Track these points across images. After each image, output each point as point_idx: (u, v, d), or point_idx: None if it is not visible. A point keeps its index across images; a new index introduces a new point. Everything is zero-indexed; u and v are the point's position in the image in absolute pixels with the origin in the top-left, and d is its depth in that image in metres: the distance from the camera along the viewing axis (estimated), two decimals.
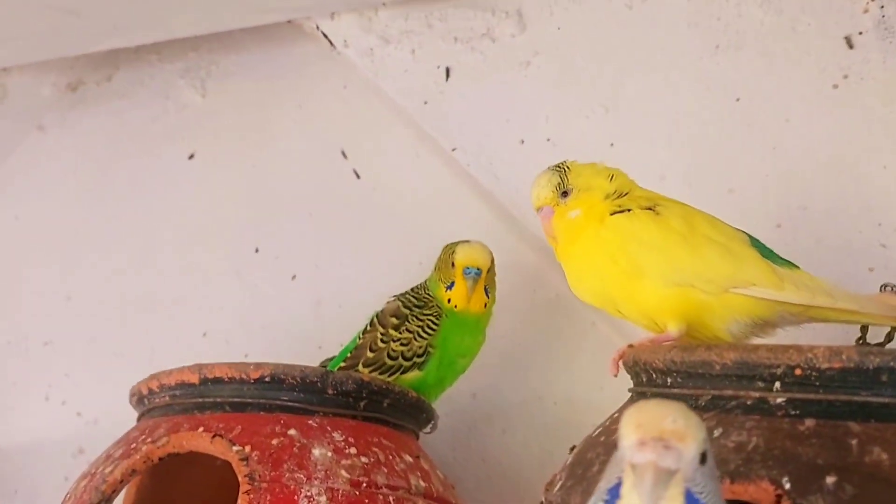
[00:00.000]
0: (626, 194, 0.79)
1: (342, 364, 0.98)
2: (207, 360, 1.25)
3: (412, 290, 1.02)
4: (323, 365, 1.02)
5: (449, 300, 0.99)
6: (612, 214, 0.77)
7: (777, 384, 0.55)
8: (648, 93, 1.05)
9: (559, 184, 0.81)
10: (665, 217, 0.75)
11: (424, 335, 0.97)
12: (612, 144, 1.04)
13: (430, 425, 1.00)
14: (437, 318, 0.98)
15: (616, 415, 0.67)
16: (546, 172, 0.83)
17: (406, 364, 0.97)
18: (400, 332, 0.97)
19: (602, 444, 0.61)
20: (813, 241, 0.94)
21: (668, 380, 0.61)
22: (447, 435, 1.12)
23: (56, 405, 1.33)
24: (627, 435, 0.43)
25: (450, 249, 1.00)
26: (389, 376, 0.96)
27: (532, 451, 1.11)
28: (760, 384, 0.56)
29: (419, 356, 0.97)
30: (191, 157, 1.36)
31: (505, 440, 1.12)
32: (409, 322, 0.98)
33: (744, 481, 0.51)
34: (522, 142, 1.10)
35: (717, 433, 0.54)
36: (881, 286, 0.78)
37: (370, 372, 0.96)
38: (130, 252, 1.35)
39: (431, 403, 0.99)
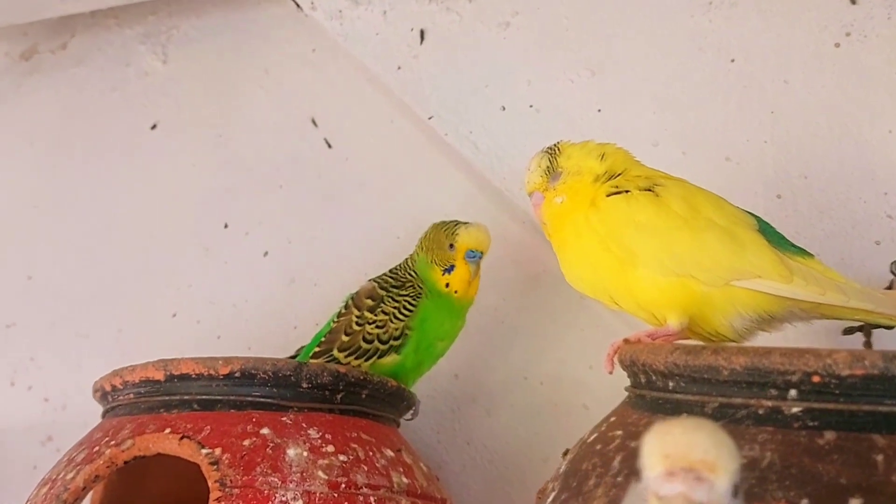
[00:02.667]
0: (621, 174, 0.73)
1: (316, 349, 0.93)
2: (177, 340, 1.23)
3: (391, 270, 0.97)
4: (297, 352, 0.97)
5: (447, 284, 0.94)
6: (608, 196, 0.71)
7: (792, 392, 0.50)
8: (637, 54, 0.99)
9: (549, 167, 0.75)
10: (664, 198, 0.69)
11: (401, 316, 0.93)
12: (599, 110, 0.99)
13: (411, 412, 0.95)
14: (415, 299, 0.93)
15: (613, 418, 0.61)
16: (537, 155, 0.77)
17: (382, 347, 0.92)
18: (375, 315, 0.92)
19: (599, 455, 0.56)
20: (815, 212, 0.89)
21: (670, 384, 0.56)
22: (430, 418, 1.09)
23: (21, 391, 1.29)
24: (653, 465, 0.38)
25: (448, 230, 0.94)
26: (366, 360, 0.92)
27: (518, 434, 1.06)
28: (774, 392, 0.50)
29: (396, 339, 0.92)
30: (153, 126, 1.31)
31: (490, 422, 1.08)
32: (384, 303, 0.93)
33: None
34: (503, 108, 1.04)
35: None
36: (892, 264, 0.73)
37: (346, 357, 0.92)
38: (93, 228, 1.30)
39: (410, 388, 0.94)
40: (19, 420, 1.27)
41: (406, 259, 0.98)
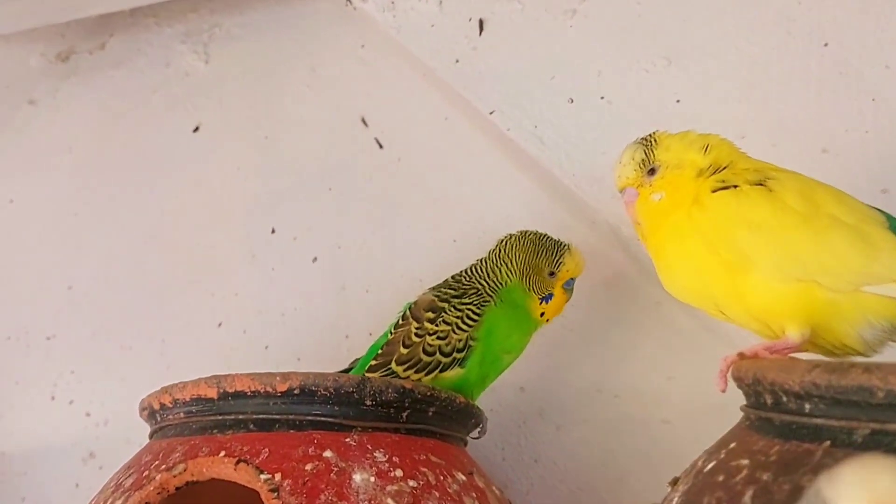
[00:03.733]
0: (726, 167, 0.65)
1: (372, 362, 0.87)
2: (224, 351, 1.18)
3: (452, 278, 0.91)
4: (351, 366, 0.91)
5: (542, 314, 0.90)
6: (713, 192, 0.63)
7: None
8: (719, 40, 0.92)
9: (644, 160, 0.68)
10: (779, 193, 0.61)
11: (464, 327, 0.86)
12: (678, 101, 0.92)
13: (479, 430, 0.89)
14: (479, 308, 0.87)
15: (733, 444, 0.54)
16: (630, 147, 0.70)
17: (445, 360, 0.85)
18: (436, 325, 0.86)
19: (723, 488, 0.49)
20: None
21: (807, 406, 0.48)
22: (494, 433, 1.03)
23: (62, 405, 1.25)
24: None
25: (550, 257, 0.89)
26: (427, 374, 0.85)
27: (591, 451, 1.00)
28: None
29: (459, 350, 0.86)
30: (196, 129, 1.27)
31: (560, 438, 1.01)
32: (445, 314, 0.87)
33: None
34: (571, 101, 0.98)
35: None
36: None
37: (405, 370, 0.85)
38: (135, 235, 1.26)
39: (475, 404, 0.87)
40: (60, 436, 1.23)
41: (473, 267, 0.91)
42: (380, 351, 0.87)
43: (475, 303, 0.87)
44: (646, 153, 0.68)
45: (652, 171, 0.67)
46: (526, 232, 0.91)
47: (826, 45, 0.88)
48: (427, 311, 0.87)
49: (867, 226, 0.60)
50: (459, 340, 0.86)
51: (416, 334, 0.86)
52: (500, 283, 0.89)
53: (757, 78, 0.89)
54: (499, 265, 0.90)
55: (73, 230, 1.28)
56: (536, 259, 0.89)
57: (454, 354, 0.86)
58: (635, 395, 0.98)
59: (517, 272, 0.89)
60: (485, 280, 0.89)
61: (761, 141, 0.86)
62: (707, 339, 0.94)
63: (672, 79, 0.93)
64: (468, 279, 0.90)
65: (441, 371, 0.85)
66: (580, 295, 1.02)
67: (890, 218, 0.62)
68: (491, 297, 0.88)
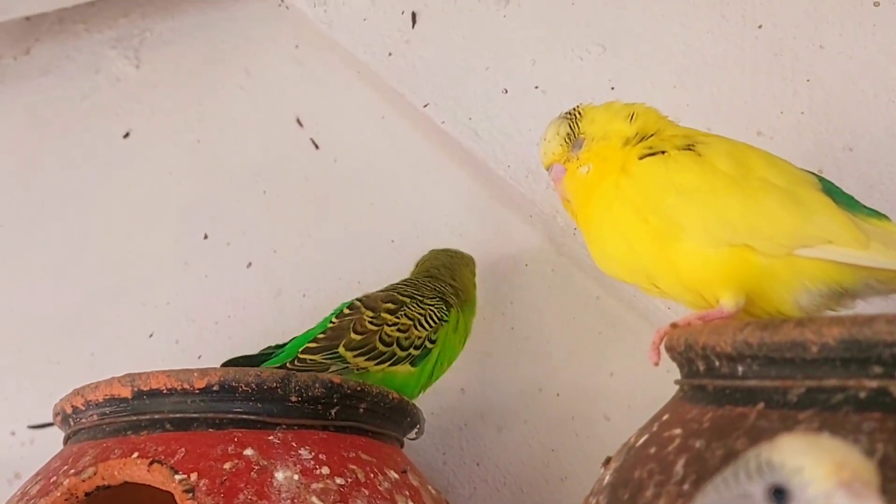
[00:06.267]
0: (653, 135, 0.63)
1: (310, 344, 0.81)
2: (156, 364, 1.12)
3: (404, 283, 0.89)
4: (268, 350, 0.86)
5: None
6: (640, 159, 0.61)
7: None
8: (653, 25, 0.91)
9: (569, 134, 0.65)
10: (708, 157, 0.59)
11: (427, 325, 0.84)
12: (612, 88, 0.90)
13: (416, 430, 0.85)
14: (442, 312, 0.85)
15: (666, 416, 0.51)
16: (554, 122, 0.68)
17: (401, 354, 0.82)
18: (397, 317, 0.83)
19: (655, 459, 0.46)
20: (864, 186, 0.79)
21: (740, 368, 0.45)
22: (435, 437, 0.99)
23: None
24: (823, 477, 0.31)
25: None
26: (378, 364, 0.81)
27: (534, 451, 0.97)
28: (879, 370, 0.40)
29: (416, 348, 0.83)
30: (126, 135, 1.23)
31: (501, 439, 0.98)
32: (408, 308, 0.84)
33: None
34: (506, 91, 0.96)
35: None
36: None
37: (355, 356, 0.81)
38: (63, 245, 1.21)
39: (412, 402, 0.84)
40: None
41: (427, 274, 0.91)
42: (320, 335, 0.82)
43: (438, 306, 0.85)
44: (570, 126, 0.65)
45: (577, 145, 0.65)
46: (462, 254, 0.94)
47: (760, 26, 0.86)
48: (386, 303, 0.84)
49: (800, 188, 0.57)
50: (419, 338, 0.83)
51: (371, 322, 0.82)
52: (458, 296, 0.88)
53: (691, 62, 0.88)
54: (452, 278, 0.90)
55: None
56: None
57: (410, 350, 0.83)
58: (577, 393, 0.95)
59: (471, 295, 0.91)
60: (447, 288, 0.87)
61: (696, 125, 0.83)
62: (648, 333, 0.90)
63: (606, 66, 0.91)
64: (428, 284, 0.88)
65: (392, 364, 0.82)
66: (519, 293, 1.00)
67: (823, 180, 0.60)
68: (452, 305, 0.87)
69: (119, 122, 1.23)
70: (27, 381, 1.17)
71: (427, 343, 0.83)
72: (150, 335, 1.14)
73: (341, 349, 0.81)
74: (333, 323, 0.83)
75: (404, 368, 0.83)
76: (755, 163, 0.59)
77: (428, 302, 0.85)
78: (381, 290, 0.88)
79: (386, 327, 0.82)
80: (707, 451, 0.43)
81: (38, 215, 1.23)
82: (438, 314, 0.85)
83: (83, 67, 1.27)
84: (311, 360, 0.80)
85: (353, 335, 0.81)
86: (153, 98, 1.23)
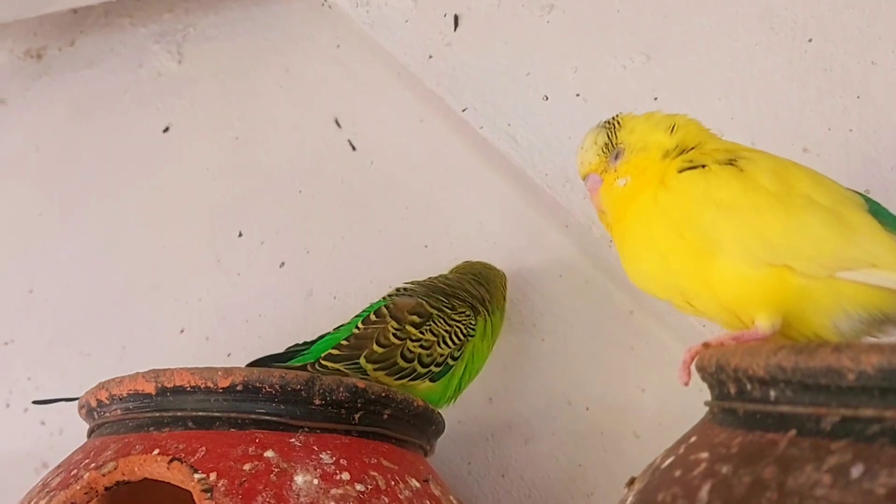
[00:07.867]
0: (694, 148, 0.61)
1: (333, 351, 0.80)
2: (185, 360, 1.12)
3: (440, 282, 0.87)
4: (294, 347, 0.85)
5: None
6: (680, 172, 0.59)
7: None
8: (699, 35, 0.88)
9: (607, 144, 0.63)
10: (750, 173, 0.56)
11: (451, 343, 0.82)
12: (656, 98, 0.88)
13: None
14: (468, 329, 0.84)
15: (693, 438, 0.49)
16: (592, 131, 0.66)
17: (421, 371, 0.81)
18: (422, 332, 0.81)
19: (679, 483, 0.44)
20: None
21: (773, 393, 0.44)
22: (460, 446, 0.98)
23: (17, 413, 1.19)
24: None
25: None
26: (397, 379, 0.80)
27: (560, 465, 0.95)
28: None
29: (437, 365, 0.81)
30: (166, 129, 1.24)
31: (528, 451, 0.96)
32: (433, 323, 0.82)
33: None
34: (546, 98, 0.95)
35: (855, 472, 0.37)
36: None
37: (375, 369, 0.79)
38: (99, 238, 1.22)
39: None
40: (13, 445, 1.17)
41: (461, 281, 0.88)
42: (343, 342, 0.81)
43: (465, 322, 0.84)
44: (609, 136, 0.64)
45: (616, 156, 0.63)
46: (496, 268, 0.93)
47: (810, 40, 0.84)
48: (412, 315, 0.82)
49: (844, 207, 0.55)
50: (441, 356, 0.81)
51: (395, 335, 0.81)
52: (489, 311, 0.87)
53: (738, 74, 0.85)
54: (484, 292, 0.88)
55: (36, 231, 1.24)
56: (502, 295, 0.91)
57: (431, 367, 0.81)
58: (606, 408, 0.93)
59: (501, 306, 0.88)
60: (479, 292, 0.86)
61: (740, 139, 0.82)
62: (680, 351, 0.89)
63: (650, 75, 0.89)
64: (462, 293, 0.86)
65: (412, 380, 0.81)
66: (551, 304, 0.98)
67: (869, 201, 0.57)
68: (479, 313, 0.85)
69: (160, 116, 1.24)
70: (58, 373, 1.17)
71: (449, 360, 0.82)
72: (181, 331, 1.14)
73: (362, 360, 0.79)
74: (359, 329, 0.82)
75: (424, 385, 0.81)
76: (799, 180, 0.57)
77: (455, 317, 0.83)
78: (417, 284, 0.87)
79: (409, 342, 0.80)
80: (734, 477, 0.41)
81: (75, 206, 1.24)
82: (465, 330, 0.83)
83: (127, 61, 1.29)
84: (332, 367, 0.78)
85: (375, 346, 0.80)
86: (194, 94, 1.24)
